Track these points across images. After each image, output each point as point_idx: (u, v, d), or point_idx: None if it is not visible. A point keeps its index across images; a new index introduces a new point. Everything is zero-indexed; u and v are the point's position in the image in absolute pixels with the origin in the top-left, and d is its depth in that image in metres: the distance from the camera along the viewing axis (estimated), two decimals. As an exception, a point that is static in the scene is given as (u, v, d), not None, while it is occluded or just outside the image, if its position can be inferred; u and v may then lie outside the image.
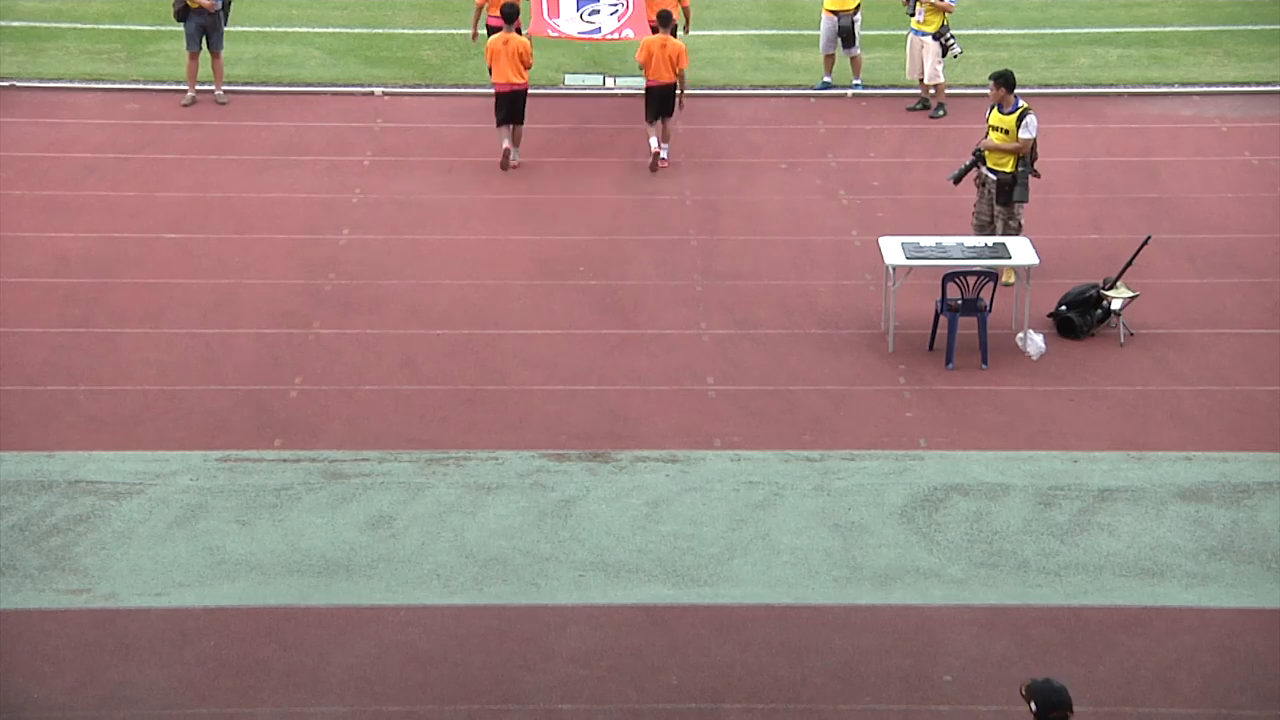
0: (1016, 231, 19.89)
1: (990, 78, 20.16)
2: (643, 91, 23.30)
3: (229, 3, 25.06)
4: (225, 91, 25.31)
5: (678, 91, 23.12)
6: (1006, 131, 19.84)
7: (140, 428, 17.47)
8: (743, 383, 18.35)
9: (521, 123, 23.26)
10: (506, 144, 23.19)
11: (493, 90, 23.20)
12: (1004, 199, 19.84)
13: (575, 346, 19.07)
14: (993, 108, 20.03)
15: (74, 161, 23.54)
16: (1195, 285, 20.50)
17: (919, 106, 25.20)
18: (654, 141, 23.31)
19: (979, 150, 20.04)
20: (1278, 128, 24.72)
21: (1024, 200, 19.90)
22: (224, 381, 18.31)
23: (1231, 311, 19.92)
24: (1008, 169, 19.82)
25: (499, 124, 23.17)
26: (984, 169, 19.99)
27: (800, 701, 13.71)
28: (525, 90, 23.09)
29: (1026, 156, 19.87)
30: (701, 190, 22.81)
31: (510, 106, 23.04)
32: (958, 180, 20.24)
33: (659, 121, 23.30)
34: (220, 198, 22.50)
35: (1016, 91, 20.21)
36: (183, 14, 24.84)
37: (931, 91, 25.05)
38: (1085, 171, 23.27)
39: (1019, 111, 19.82)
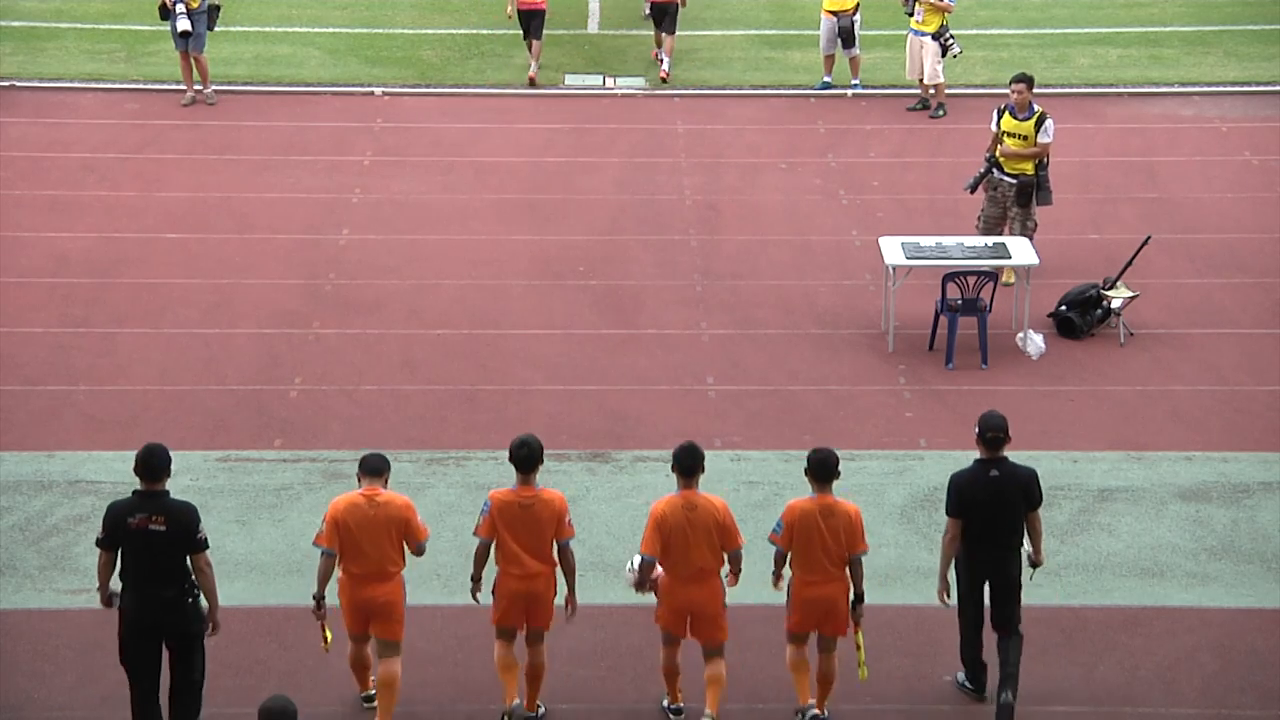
0: (1033, 231, 19.91)
1: (1017, 79, 20.00)
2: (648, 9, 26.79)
3: (216, 10, 24.99)
4: (215, 91, 25.31)
5: (679, 5, 26.23)
6: (1024, 137, 19.79)
7: (140, 428, 17.47)
8: (743, 383, 18.35)
9: (540, 39, 26.07)
10: (531, 71, 26.23)
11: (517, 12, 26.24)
12: (1023, 200, 19.86)
13: (575, 346, 19.07)
14: (1004, 113, 19.95)
15: (74, 161, 23.55)
16: (1195, 285, 20.51)
17: (919, 106, 25.23)
18: (666, 62, 26.36)
19: (991, 156, 20.00)
20: (1278, 128, 24.74)
21: (1048, 203, 19.93)
22: (224, 381, 18.32)
23: (1231, 311, 19.92)
24: (1028, 171, 19.85)
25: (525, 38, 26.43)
26: (998, 174, 19.97)
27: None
28: (544, 10, 26.03)
29: (1045, 159, 19.91)
30: (701, 190, 22.82)
31: (530, 24, 26.03)
32: (974, 189, 20.22)
33: (661, 35, 26.31)
34: (220, 198, 22.50)
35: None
36: (165, 13, 24.85)
37: (931, 91, 25.07)
38: (1085, 171, 23.28)
39: (1036, 116, 19.80)
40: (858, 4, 25.46)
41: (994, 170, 19.99)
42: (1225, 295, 20.28)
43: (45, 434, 17.36)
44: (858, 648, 13.33)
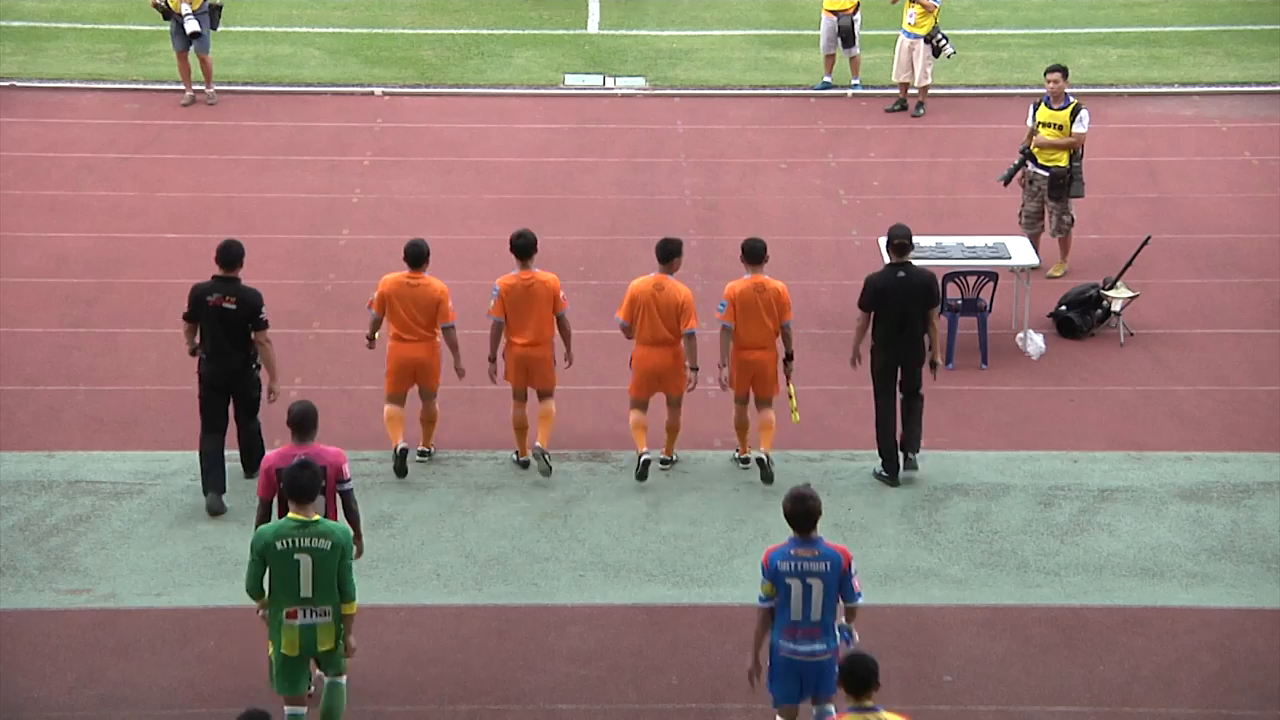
0: (1069, 226, 20.11)
1: (1052, 69, 20.34)
2: None
3: (218, 10, 24.97)
4: (216, 91, 25.31)
5: None
6: (1059, 127, 19.94)
7: (140, 428, 17.48)
8: (743, 383, 18.33)
9: None
10: None
11: None
12: (1057, 193, 20.06)
13: (575, 346, 19.05)
14: (1040, 104, 20.13)
15: (74, 161, 23.56)
16: (1195, 285, 20.52)
17: (897, 108, 25.24)
18: None
19: (1026, 148, 20.17)
20: (1278, 128, 24.75)
21: (1080, 195, 20.11)
22: (224, 381, 18.30)
23: (1231, 311, 19.93)
24: (1061, 163, 19.99)
25: None
26: (1032, 167, 20.11)
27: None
28: None
29: (1080, 151, 20.04)
30: (701, 190, 22.82)
31: None
32: (1008, 180, 20.41)
33: None
34: (220, 198, 22.50)
35: (1023, 91, 20.42)
36: (166, 13, 24.86)
37: (913, 91, 25.10)
38: (1085, 171, 23.23)
39: (1072, 106, 19.99)
40: (858, 3, 25.47)
41: (1029, 163, 20.14)
42: (1225, 295, 20.28)
43: (45, 434, 17.35)
44: (790, 396, 16.49)
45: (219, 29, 25.24)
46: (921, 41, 24.58)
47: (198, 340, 16.02)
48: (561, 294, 16.48)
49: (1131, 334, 19.30)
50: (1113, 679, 14.01)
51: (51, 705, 13.68)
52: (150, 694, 13.75)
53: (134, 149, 24.01)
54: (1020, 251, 19.25)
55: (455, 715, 13.67)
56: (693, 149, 24.06)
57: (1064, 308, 19.38)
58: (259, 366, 16.07)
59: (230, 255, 16.01)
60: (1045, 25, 28.70)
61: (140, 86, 25.95)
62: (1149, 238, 20.05)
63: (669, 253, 16.42)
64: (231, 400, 16.09)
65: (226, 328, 15.88)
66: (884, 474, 16.58)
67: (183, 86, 25.27)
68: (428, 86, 26.20)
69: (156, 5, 24.90)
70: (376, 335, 16.74)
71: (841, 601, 12.26)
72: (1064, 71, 20.29)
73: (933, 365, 16.45)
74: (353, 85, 26.13)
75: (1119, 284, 19.43)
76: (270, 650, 12.53)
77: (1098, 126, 24.75)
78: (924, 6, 24.43)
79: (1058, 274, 20.33)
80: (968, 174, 23.42)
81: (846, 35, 25.50)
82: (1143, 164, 23.73)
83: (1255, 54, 27.33)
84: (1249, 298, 20.23)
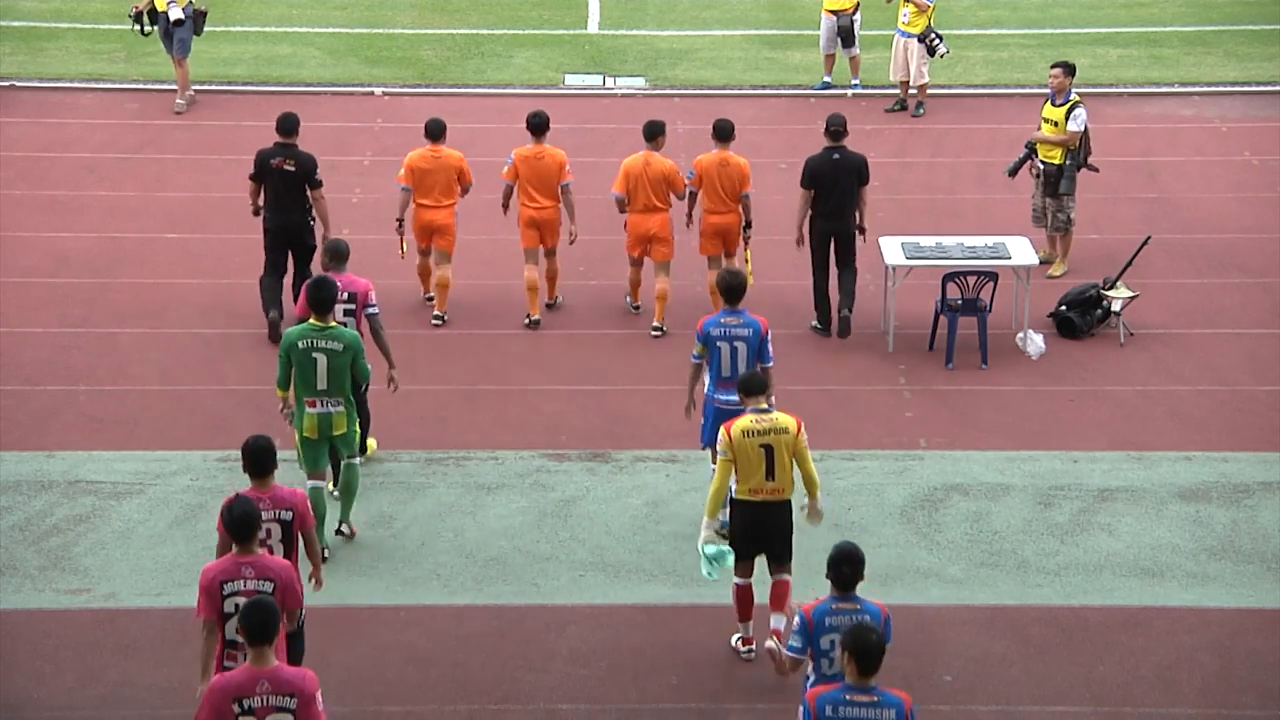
0: (1065, 224, 20.29)
1: (1054, 65, 20.46)
2: None
3: (202, 16, 24.90)
4: (190, 96, 25.01)
5: None
6: (1056, 124, 20.04)
7: (140, 428, 17.48)
8: (743, 383, 18.32)
9: None
10: None
11: None
12: (1051, 190, 20.18)
13: (575, 346, 19.08)
14: (1048, 99, 20.19)
15: (74, 161, 23.56)
16: (1195, 285, 20.52)
17: (897, 108, 25.25)
18: None
19: (1031, 142, 20.25)
20: (1278, 128, 24.75)
21: (1069, 193, 20.19)
22: (224, 381, 18.32)
23: (1231, 311, 19.93)
24: (1056, 160, 20.09)
25: None
26: (1037, 160, 20.21)
27: (801, 702, 13.69)
28: None
29: (1076, 150, 20.06)
30: (701, 190, 22.78)
31: None
32: (1013, 173, 20.59)
33: None
34: (220, 198, 22.50)
35: (1023, 91, 20.44)
36: (153, 16, 24.81)
37: (912, 91, 25.11)
38: (1085, 171, 23.25)
39: (1069, 104, 20.02)
40: (858, 3, 25.47)
41: (1033, 156, 20.25)
42: (1225, 295, 20.29)
43: (45, 434, 17.35)
44: (746, 259, 18.89)
45: (203, 34, 25.11)
46: (915, 40, 24.60)
47: (261, 201, 18.75)
48: (567, 167, 19.22)
49: (1131, 334, 19.30)
50: (1113, 679, 14.01)
51: (51, 705, 13.68)
52: (150, 694, 13.75)
53: (134, 149, 24.01)
54: (1020, 251, 19.26)
55: (455, 715, 13.67)
56: (693, 149, 23.97)
57: (1064, 308, 19.38)
58: (314, 220, 18.74)
59: (289, 124, 18.74)
60: (1045, 25, 28.70)
61: (140, 86, 25.96)
62: (1149, 238, 20.05)
63: (654, 132, 19.18)
64: (291, 251, 18.84)
65: (287, 186, 18.61)
66: (819, 326, 19.23)
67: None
68: (428, 86, 26.20)
69: (134, 15, 24.86)
70: (404, 219, 19.21)
71: (759, 363, 14.96)
72: (1066, 68, 20.31)
73: (860, 231, 18.86)
74: (353, 85, 26.13)
75: (1119, 284, 19.43)
76: (296, 437, 15.16)
77: (1098, 126, 24.75)
78: (917, 6, 24.46)
79: (1058, 274, 20.36)
80: (968, 174, 23.42)
81: (846, 35, 25.51)
82: (1143, 164, 23.72)
83: (1255, 54, 27.33)
84: (1249, 298, 20.23)
